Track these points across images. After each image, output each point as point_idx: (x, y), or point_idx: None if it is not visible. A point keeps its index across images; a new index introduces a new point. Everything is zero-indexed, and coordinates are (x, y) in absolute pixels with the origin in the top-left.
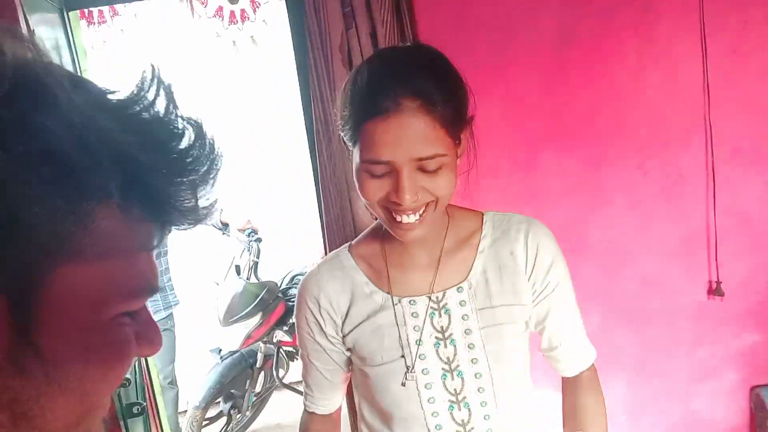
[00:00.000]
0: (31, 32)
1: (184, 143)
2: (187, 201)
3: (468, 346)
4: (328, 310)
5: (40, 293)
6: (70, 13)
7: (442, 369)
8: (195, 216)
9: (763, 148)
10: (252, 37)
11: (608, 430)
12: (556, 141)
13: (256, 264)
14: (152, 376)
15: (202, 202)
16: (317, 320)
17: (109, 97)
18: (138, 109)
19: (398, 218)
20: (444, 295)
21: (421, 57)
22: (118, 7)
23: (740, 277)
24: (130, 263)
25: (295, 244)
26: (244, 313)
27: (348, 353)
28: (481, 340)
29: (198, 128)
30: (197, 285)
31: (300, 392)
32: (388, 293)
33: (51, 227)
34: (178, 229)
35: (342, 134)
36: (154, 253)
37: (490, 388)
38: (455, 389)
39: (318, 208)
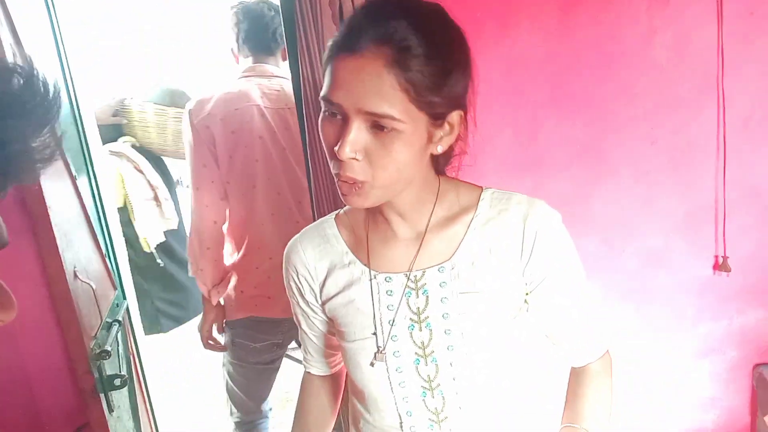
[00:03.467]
0: None
1: (14, 85)
2: (23, 146)
3: (445, 332)
4: (306, 276)
5: None
6: None
7: (416, 353)
8: (35, 163)
9: None
10: None
11: (609, 423)
12: (560, 107)
13: None
14: (138, 346)
15: (41, 147)
16: (298, 286)
17: None
18: None
19: (337, 170)
20: (423, 275)
21: (415, 7)
22: None
23: (748, 253)
24: None
25: None
26: None
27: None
28: (460, 326)
29: (28, 69)
30: None
31: (299, 361)
32: (366, 265)
33: None
34: (23, 179)
35: None
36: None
37: (466, 378)
38: (428, 375)
39: (306, 172)
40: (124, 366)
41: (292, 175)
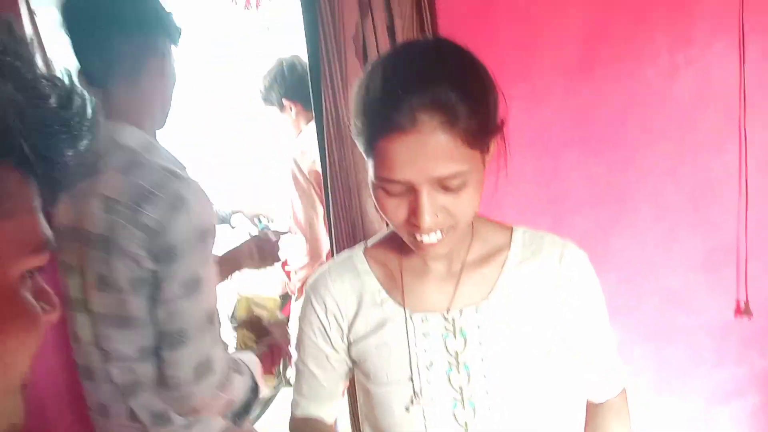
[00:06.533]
0: None
1: (62, 96)
2: (69, 157)
3: (483, 376)
4: (335, 313)
5: None
6: None
7: (453, 398)
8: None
9: None
10: (267, 27)
11: None
12: (581, 144)
13: None
14: None
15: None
16: (322, 323)
17: None
18: (14, 62)
19: (419, 237)
20: (461, 315)
21: (442, 59)
22: None
23: None
24: (31, 219)
25: None
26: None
27: (350, 364)
28: (498, 370)
29: (67, 85)
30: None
31: None
32: (400, 305)
33: None
34: (60, 190)
35: (356, 142)
36: None
37: (504, 422)
38: (465, 422)
39: (326, 205)
40: None
41: None
